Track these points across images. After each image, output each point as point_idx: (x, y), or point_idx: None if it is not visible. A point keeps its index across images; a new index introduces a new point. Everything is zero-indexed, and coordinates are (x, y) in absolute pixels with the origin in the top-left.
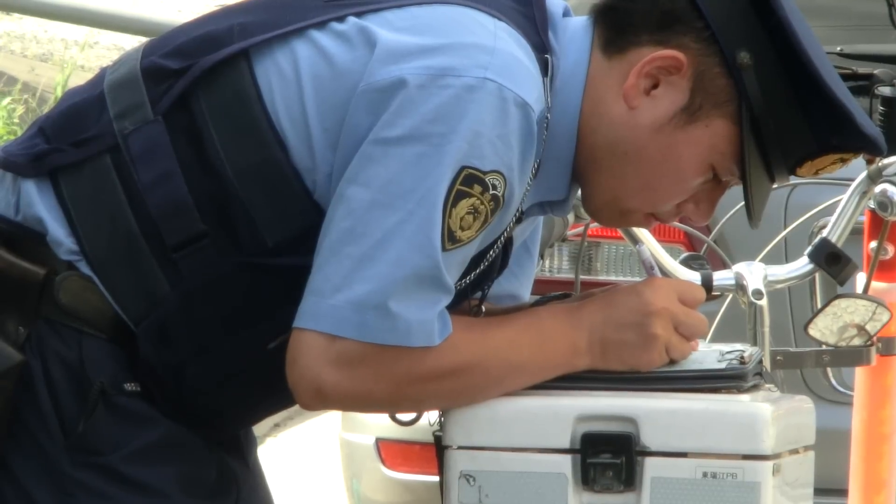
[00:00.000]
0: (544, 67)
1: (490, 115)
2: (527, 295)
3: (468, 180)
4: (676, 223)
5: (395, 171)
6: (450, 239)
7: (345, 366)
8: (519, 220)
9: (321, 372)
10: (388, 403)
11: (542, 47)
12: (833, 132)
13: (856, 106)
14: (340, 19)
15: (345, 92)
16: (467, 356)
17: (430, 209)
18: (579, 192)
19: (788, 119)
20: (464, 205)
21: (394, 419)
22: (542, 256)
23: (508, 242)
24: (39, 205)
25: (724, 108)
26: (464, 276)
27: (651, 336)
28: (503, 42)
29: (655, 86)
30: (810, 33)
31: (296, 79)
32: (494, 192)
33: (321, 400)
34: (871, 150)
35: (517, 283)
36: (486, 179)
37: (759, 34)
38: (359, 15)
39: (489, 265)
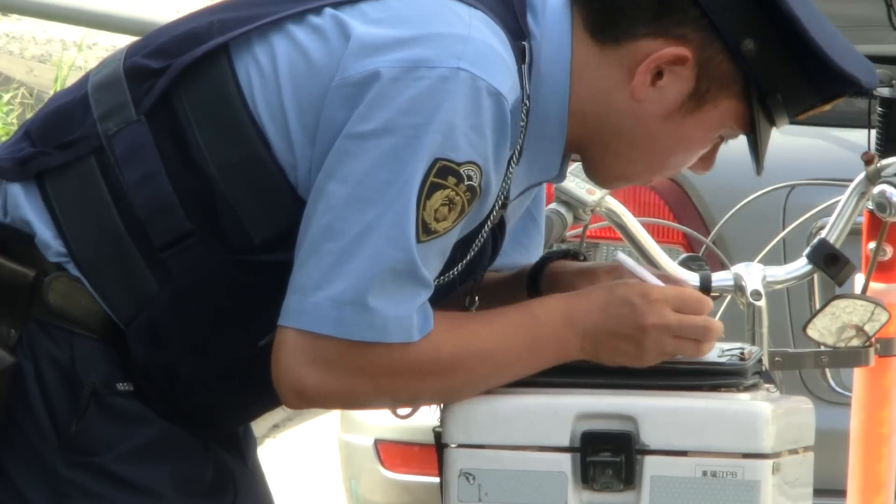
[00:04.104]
0: (522, 54)
1: (463, 105)
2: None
3: (442, 172)
4: (675, 224)
5: (371, 166)
6: (424, 230)
7: (324, 365)
8: (504, 206)
9: (302, 372)
10: (371, 401)
11: (519, 34)
12: (836, 91)
13: (854, 60)
14: (317, 11)
15: (320, 87)
16: (451, 356)
17: (404, 202)
18: (572, 191)
19: (794, 87)
20: (438, 196)
21: (393, 412)
22: None
23: (500, 228)
24: (26, 208)
25: (731, 89)
26: (453, 265)
27: (643, 350)
28: (477, 31)
29: (659, 74)
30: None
31: (274, 74)
32: (470, 182)
33: (304, 399)
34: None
35: (526, 254)
36: (461, 171)
37: (757, 17)
38: (336, 6)
39: (479, 252)
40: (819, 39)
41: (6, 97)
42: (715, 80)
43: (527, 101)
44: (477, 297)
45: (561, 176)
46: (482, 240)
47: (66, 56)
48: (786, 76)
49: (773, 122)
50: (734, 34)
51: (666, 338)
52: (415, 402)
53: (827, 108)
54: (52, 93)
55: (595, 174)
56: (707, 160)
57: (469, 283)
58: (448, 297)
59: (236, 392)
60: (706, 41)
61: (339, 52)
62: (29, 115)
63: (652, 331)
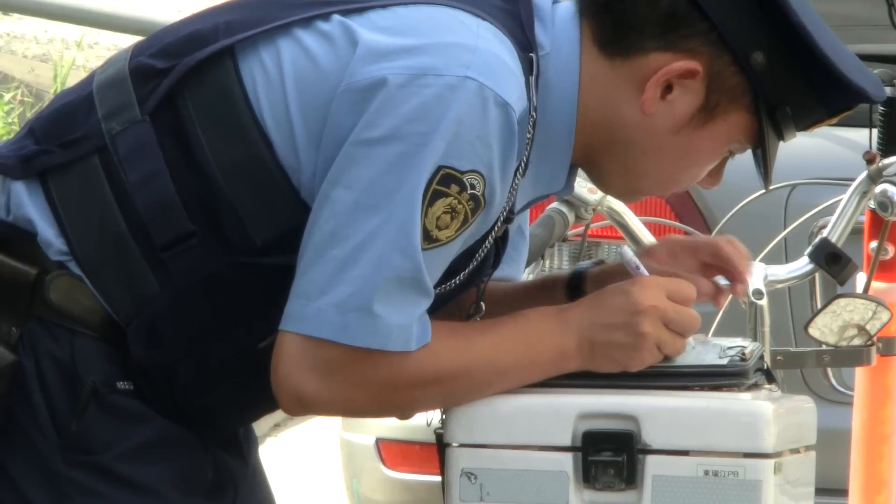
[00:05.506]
0: (529, 66)
1: (470, 114)
2: (520, 276)
3: (445, 180)
4: (676, 223)
5: (377, 172)
6: (426, 238)
7: (325, 373)
8: (509, 219)
9: (301, 379)
10: (371, 410)
11: (527, 45)
12: (844, 103)
13: (862, 73)
14: (326, 17)
15: (327, 92)
16: (450, 364)
17: (410, 209)
18: (574, 191)
19: (802, 100)
20: (440, 204)
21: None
22: (542, 256)
23: (503, 239)
24: (29, 206)
25: (740, 103)
26: (455, 274)
27: (640, 335)
28: (485, 41)
29: (669, 87)
30: (809, 10)
31: (279, 78)
32: (473, 191)
33: (303, 406)
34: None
35: (515, 267)
36: (465, 179)
37: (767, 30)
38: (344, 14)
39: (481, 262)
40: (829, 52)
41: (7, 96)
42: (725, 93)
43: (534, 113)
44: (483, 305)
45: (568, 188)
46: (485, 251)
47: (67, 55)
48: (795, 89)
49: (781, 136)
50: (744, 47)
51: (661, 326)
52: (413, 409)
53: (833, 121)
54: (52, 92)
55: (607, 187)
56: (715, 175)
57: (471, 290)
58: (446, 305)
59: (235, 394)
60: (716, 55)
61: (346, 57)
62: (30, 115)
63: (649, 313)
